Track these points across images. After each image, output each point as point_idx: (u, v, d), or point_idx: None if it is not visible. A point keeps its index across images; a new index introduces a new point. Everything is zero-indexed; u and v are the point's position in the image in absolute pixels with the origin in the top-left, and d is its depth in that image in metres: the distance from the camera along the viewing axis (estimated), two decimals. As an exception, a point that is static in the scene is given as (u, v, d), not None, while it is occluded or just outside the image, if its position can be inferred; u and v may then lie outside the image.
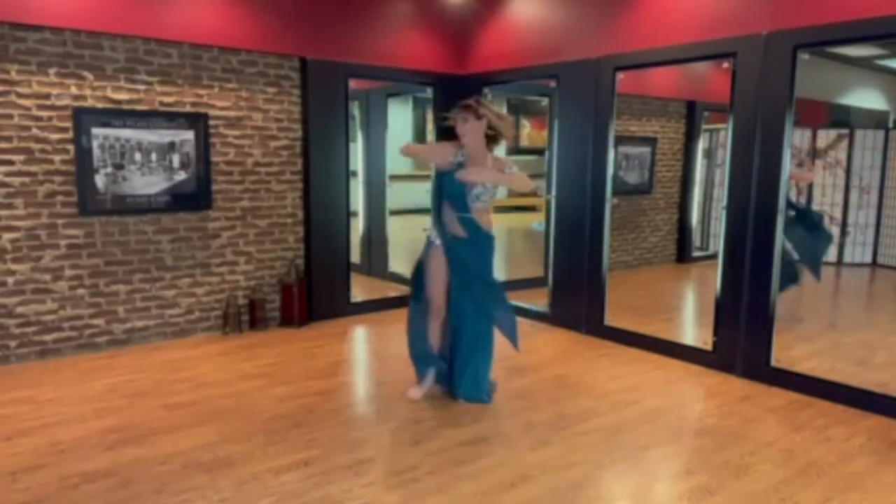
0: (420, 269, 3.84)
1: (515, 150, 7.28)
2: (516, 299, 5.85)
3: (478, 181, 3.53)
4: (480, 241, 3.67)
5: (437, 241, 3.73)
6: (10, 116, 4.19)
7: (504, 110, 7.12)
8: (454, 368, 3.77)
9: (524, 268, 7.06)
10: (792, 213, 5.27)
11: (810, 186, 6.04)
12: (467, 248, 3.66)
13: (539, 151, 6.53)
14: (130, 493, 2.74)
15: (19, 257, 4.31)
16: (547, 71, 5.34)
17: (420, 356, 3.86)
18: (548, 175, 5.55)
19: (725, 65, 4.22)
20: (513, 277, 6.76)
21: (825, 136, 5.97)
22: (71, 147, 4.39)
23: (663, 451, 3.19)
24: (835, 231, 6.01)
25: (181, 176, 4.82)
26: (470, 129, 3.55)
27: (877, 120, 6.00)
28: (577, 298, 5.26)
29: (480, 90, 5.99)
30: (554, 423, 3.47)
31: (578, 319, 5.27)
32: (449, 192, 3.62)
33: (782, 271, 5.00)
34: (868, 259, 5.96)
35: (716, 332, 4.37)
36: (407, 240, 7.05)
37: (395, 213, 6.77)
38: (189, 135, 4.81)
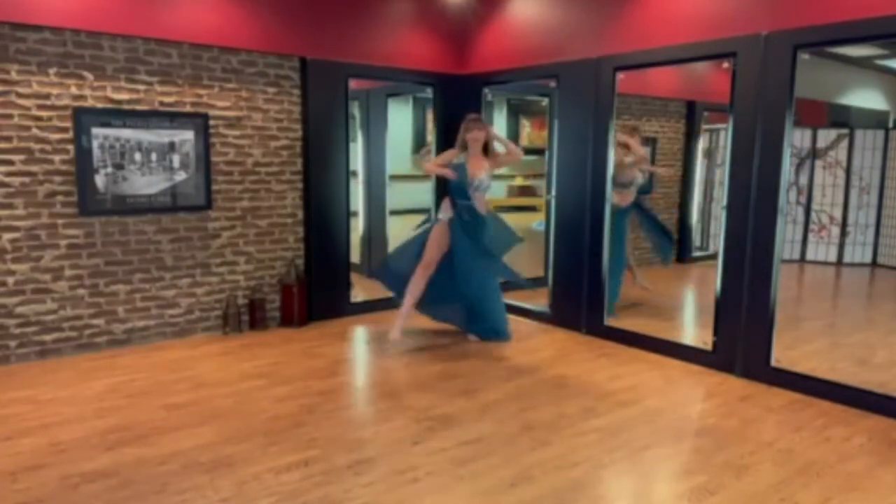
0: (418, 240, 5.00)
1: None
2: (517, 299, 5.88)
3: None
4: (477, 220, 4.79)
5: (444, 218, 4.84)
6: (10, 116, 4.19)
7: (504, 110, 7.14)
8: (479, 319, 4.98)
9: (524, 268, 7.06)
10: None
11: (810, 187, 6.04)
12: (467, 226, 4.77)
13: (539, 151, 6.53)
14: (130, 493, 2.74)
15: (19, 257, 4.31)
16: (547, 71, 5.34)
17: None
18: (548, 175, 5.56)
19: (725, 65, 4.22)
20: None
21: (825, 137, 5.98)
22: (71, 147, 4.39)
23: (663, 451, 3.19)
24: (834, 231, 6.02)
25: (181, 176, 4.82)
26: (481, 138, 4.80)
27: (877, 120, 6.00)
28: (577, 298, 5.26)
29: (480, 90, 6.00)
30: (554, 423, 3.47)
31: (578, 319, 5.27)
32: (455, 187, 4.79)
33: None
34: (868, 259, 5.96)
35: (716, 332, 4.36)
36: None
37: (395, 213, 6.78)
38: (189, 135, 4.81)
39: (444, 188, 5.02)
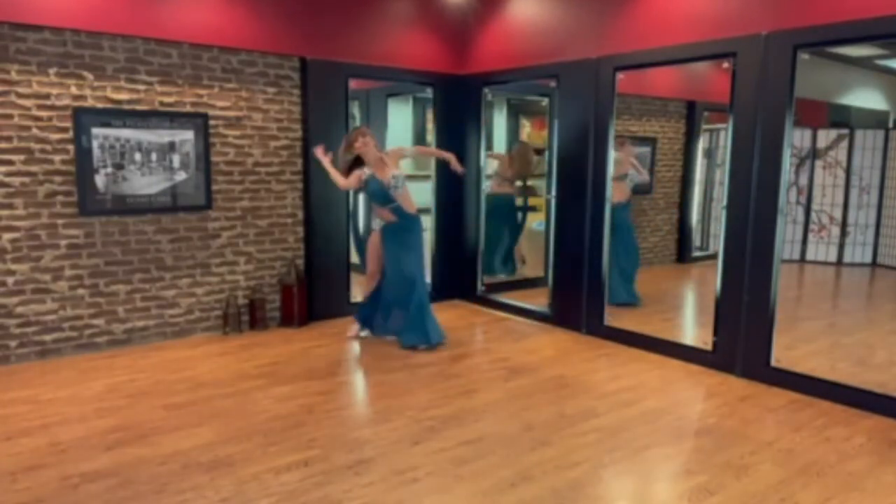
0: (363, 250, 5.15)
1: (516, 150, 7.28)
2: (516, 299, 5.88)
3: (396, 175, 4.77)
4: (408, 221, 4.80)
5: (377, 227, 4.95)
6: (10, 116, 4.19)
7: (504, 110, 7.14)
8: (410, 324, 4.79)
9: (524, 268, 7.06)
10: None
11: (810, 187, 6.04)
12: (398, 229, 4.80)
13: (539, 151, 6.53)
14: (130, 493, 2.74)
15: (19, 257, 4.31)
16: (547, 71, 5.34)
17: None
18: (548, 175, 5.55)
19: (725, 65, 4.22)
20: (513, 277, 6.77)
21: (825, 137, 5.98)
22: (71, 147, 4.39)
23: (663, 451, 3.19)
24: (834, 231, 6.02)
25: (181, 176, 4.82)
26: (369, 146, 4.71)
27: (877, 120, 6.00)
28: (577, 298, 5.26)
29: (480, 90, 6.00)
30: (554, 423, 3.48)
31: (578, 319, 5.27)
32: (374, 196, 4.79)
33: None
34: (868, 259, 5.96)
35: (716, 332, 4.36)
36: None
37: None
38: (189, 135, 4.81)
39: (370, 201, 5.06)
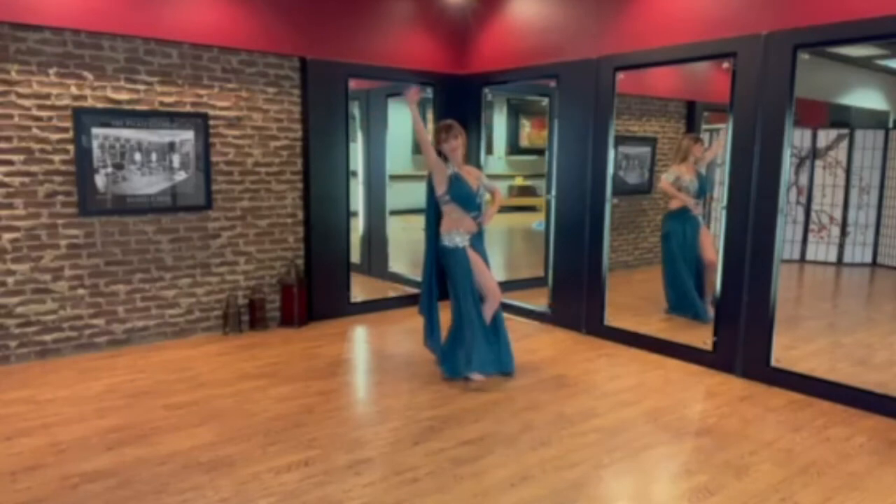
0: (456, 276, 4.14)
1: (516, 150, 7.30)
2: (516, 299, 5.88)
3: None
4: (483, 234, 4.33)
5: (467, 241, 4.15)
6: (10, 116, 4.19)
7: (504, 110, 7.15)
8: (502, 349, 4.28)
9: (524, 268, 7.06)
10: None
11: (810, 187, 6.04)
12: (480, 240, 4.28)
13: (539, 151, 6.53)
14: (130, 493, 2.74)
15: (19, 257, 4.31)
16: (547, 71, 5.34)
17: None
18: (548, 175, 5.55)
19: (725, 65, 4.22)
20: (513, 277, 6.77)
21: (825, 137, 5.98)
22: (71, 147, 4.39)
23: (663, 451, 3.19)
24: (834, 231, 6.02)
25: (181, 176, 4.82)
26: (458, 151, 4.13)
27: (877, 120, 6.01)
28: (577, 298, 5.26)
29: (480, 90, 6.01)
30: (554, 423, 3.47)
31: (578, 319, 5.27)
32: (463, 198, 4.10)
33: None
34: (868, 259, 5.97)
35: (716, 332, 4.36)
36: (407, 240, 7.05)
37: (395, 213, 6.77)
38: (189, 135, 4.81)
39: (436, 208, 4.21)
